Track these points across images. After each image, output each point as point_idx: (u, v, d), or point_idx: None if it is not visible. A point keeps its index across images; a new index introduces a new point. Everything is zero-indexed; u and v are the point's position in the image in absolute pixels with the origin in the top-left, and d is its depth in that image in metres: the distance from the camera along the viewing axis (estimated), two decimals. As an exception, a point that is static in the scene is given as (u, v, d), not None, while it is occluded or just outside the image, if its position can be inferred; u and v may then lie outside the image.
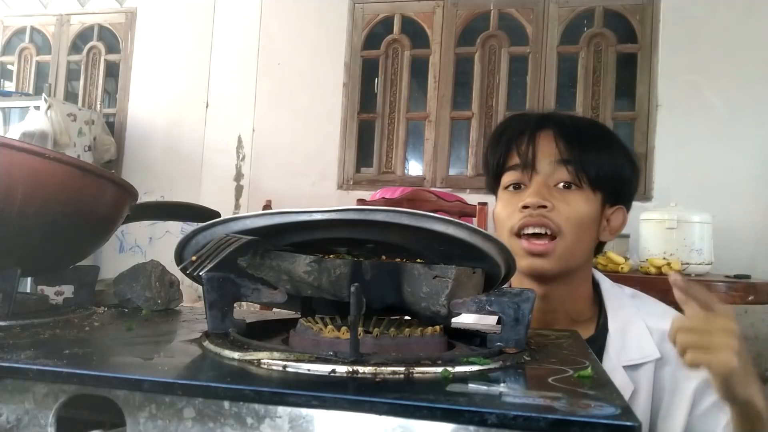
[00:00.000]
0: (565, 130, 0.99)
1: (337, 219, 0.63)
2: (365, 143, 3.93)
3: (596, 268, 1.11)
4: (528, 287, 0.65)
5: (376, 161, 3.89)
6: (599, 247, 1.06)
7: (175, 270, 0.81)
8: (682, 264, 2.17)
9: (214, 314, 0.63)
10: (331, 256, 0.69)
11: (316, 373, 0.51)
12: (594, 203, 0.98)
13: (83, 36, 4.50)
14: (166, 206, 1.45)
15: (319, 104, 3.94)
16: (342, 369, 0.51)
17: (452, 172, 3.82)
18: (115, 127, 4.30)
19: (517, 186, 1.01)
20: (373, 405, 0.43)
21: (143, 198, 0.94)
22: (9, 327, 0.69)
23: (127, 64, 4.34)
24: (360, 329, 0.58)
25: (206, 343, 0.60)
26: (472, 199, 2.70)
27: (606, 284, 1.06)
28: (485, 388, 0.47)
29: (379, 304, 0.65)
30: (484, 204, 2.36)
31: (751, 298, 2.03)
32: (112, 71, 4.46)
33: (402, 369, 0.51)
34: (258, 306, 1.64)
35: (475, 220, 2.37)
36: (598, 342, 0.97)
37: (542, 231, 0.95)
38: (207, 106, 4.16)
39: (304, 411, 0.45)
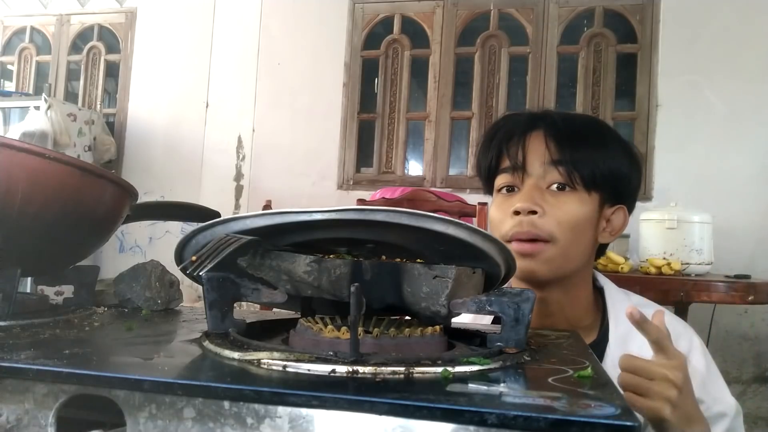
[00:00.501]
0: (556, 130, 0.96)
1: (337, 219, 0.63)
2: (365, 143, 3.93)
3: (596, 269, 1.07)
4: None
5: (376, 161, 3.89)
6: (601, 250, 1.02)
7: (175, 270, 0.81)
8: (682, 264, 2.16)
9: (214, 314, 0.63)
10: (331, 256, 0.69)
11: (316, 373, 0.51)
12: (590, 204, 0.95)
13: (83, 36, 4.50)
14: (166, 206, 1.45)
15: (319, 104, 3.94)
16: (342, 369, 0.51)
17: (452, 172, 3.82)
18: (115, 127, 4.30)
19: (510, 188, 0.98)
20: (373, 405, 0.43)
21: (143, 198, 0.94)
22: (9, 327, 0.69)
23: (127, 64, 4.34)
24: (360, 329, 0.58)
25: (206, 343, 0.60)
26: (472, 199, 2.70)
27: (611, 290, 1.02)
28: (485, 388, 0.47)
29: (379, 304, 0.65)
30: (484, 204, 2.35)
31: (751, 298, 2.02)
32: (112, 71, 4.46)
33: (402, 369, 0.51)
34: (258, 306, 1.64)
35: (475, 220, 2.37)
36: (598, 349, 0.94)
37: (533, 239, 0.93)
38: (207, 106, 4.16)
39: (304, 411, 0.45)
